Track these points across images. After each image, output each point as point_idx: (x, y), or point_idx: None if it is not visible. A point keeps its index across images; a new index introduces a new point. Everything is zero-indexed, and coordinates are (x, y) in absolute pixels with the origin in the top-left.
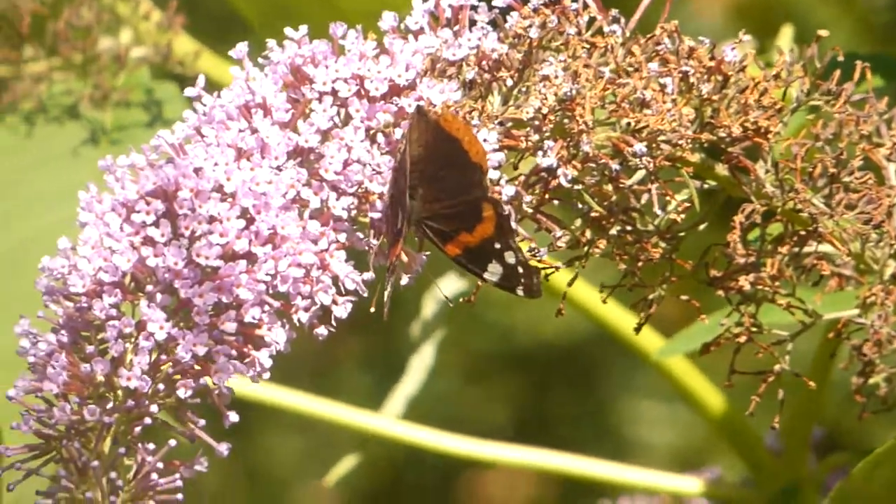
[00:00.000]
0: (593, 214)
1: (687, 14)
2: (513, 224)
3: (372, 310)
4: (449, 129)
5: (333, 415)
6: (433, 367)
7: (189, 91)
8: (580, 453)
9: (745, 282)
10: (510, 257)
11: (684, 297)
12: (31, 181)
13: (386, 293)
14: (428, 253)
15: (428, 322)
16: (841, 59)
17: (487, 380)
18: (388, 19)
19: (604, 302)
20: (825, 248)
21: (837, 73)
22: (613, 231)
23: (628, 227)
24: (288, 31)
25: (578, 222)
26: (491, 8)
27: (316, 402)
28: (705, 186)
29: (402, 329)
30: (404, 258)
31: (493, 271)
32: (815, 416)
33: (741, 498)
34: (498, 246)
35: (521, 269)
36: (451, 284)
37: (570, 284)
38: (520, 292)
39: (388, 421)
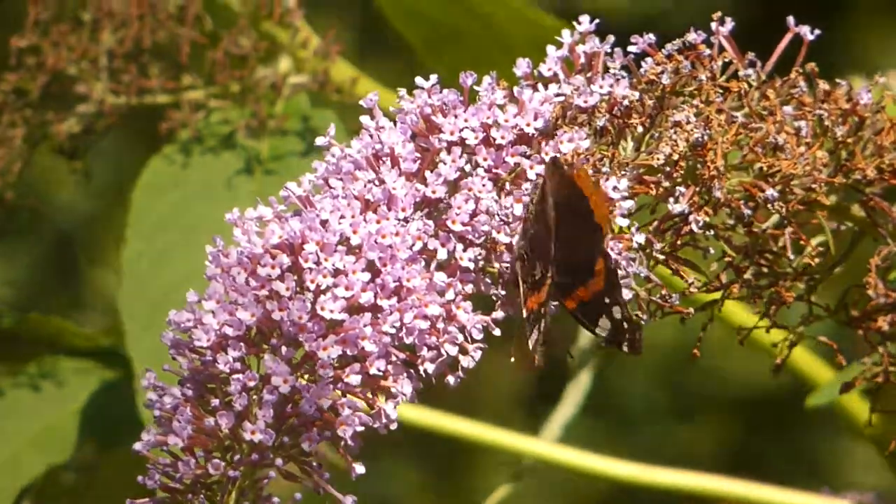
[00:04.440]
0: (728, 258)
1: None
2: (619, 279)
3: (511, 359)
4: (581, 185)
5: (493, 439)
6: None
7: (319, 141)
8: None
9: (883, 322)
10: (617, 312)
11: (822, 338)
12: (188, 214)
13: (532, 340)
14: (556, 303)
15: (584, 350)
16: None
17: (698, 420)
18: (521, 66)
19: (741, 343)
20: None
21: None
22: (748, 274)
23: (764, 270)
24: (418, 80)
25: (714, 266)
26: (626, 54)
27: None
28: (842, 228)
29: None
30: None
31: (604, 326)
32: None
33: None
34: (607, 301)
35: (625, 325)
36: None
37: (703, 329)
38: (625, 348)
39: (559, 448)
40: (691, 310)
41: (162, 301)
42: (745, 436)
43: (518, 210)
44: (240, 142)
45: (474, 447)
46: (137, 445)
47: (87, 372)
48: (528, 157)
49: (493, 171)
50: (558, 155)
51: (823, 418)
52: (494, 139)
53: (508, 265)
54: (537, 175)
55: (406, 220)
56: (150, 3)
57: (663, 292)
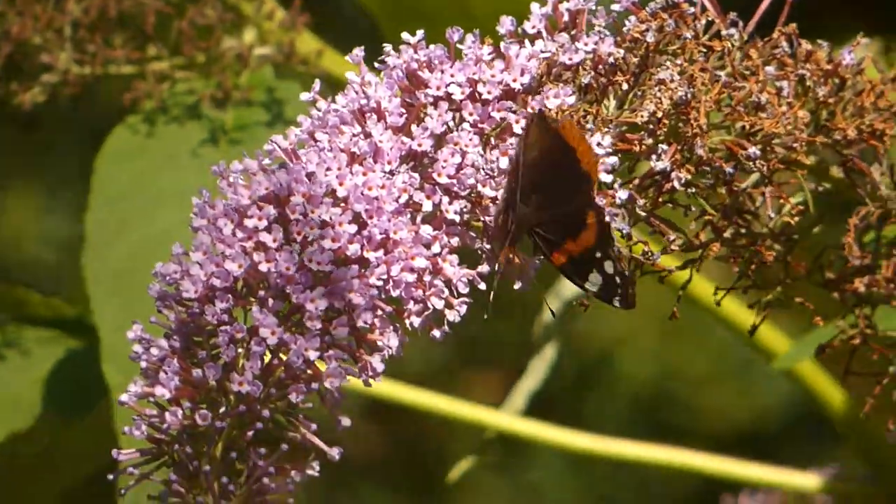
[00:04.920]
0: (707, 217)
1: None
2: (613, 232)
3: (486, 317)
4: (567, 136)
5: (458, 412)
6: None
7: (304, 96)
8: None
9: (859, 284)
10: (609, 267)
11: (799, 300)
12: (151, 182)
13: (491, 294)
14: (541, 258)
15: (548, 324)
16: None
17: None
18: (505, 23)
19: (717, 304)
20: None
21: None
22: (728, 234)
23: (743, 230)
24: (404, 35)
25: (693, 225)
26: (609, 12)
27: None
28: (820, 189)
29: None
30: (516, 260)
31: (594, 281)
32: None
33: (863, 494)
34: (598, 255)
35: (618, 280)
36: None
37: (683, 288)
38: (616, 303)
39: (521, 421)
40: (672, 267)
41: (126, 268)
42: None
43: (504, 163)
44: (205, 112)
45: (453, 482)
46: (123, 397)
47: (51, 341)
48: (514, 113)
49: (479, 125)
50: (542, 108)
51: (797, 452)
52: (481, 94)
53: (492, 219)
54: (522, 128)
55: (392, 172)
56: None
57: (645, 249)
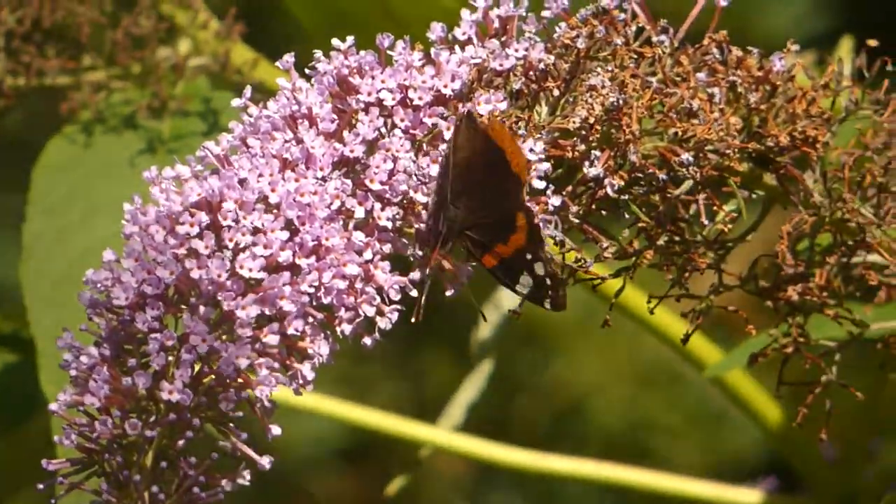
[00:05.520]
0: (641, 224)
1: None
2: (542, 234)
3: (412, 320)
4: (495, 138)
5: (379, 426)
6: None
7: (235, 102)
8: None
9: (793, 292)
10: (539, 268)
11: (732, 308)
12: (89, 193)
13: (422, 299)
14: (473, 264)
15: (484, 339)
16: (890, 68)
17: None
18: (436, 30)
19: (651, 312)
20: (874, 258)
21: (886, 82)
22: (661, 241)
23: (676, 238)
24: (335, 41)
25: (626, 233)
26: (539, 18)
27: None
28: (753, 196)
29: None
30: (447, 266)
31: (525, 283)
32: (872, 426)
33: None
34: (529, 257)
35: (548, 281)
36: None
37: (616, 295)
38: (547, 305)
39: (456, 437)
40: (606, 275)
41: (63, 279)
42: None
43: (434, 171)
44: (141, 122)
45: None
46: (53, 406)
47: None
48: (445, 119)
49: (411, 131)
50: (472, 109)
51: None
52: (412, 100)
53: (424, 225)
54: (450, 131)
55: (324, 179)
56: None
57: (578, 256)
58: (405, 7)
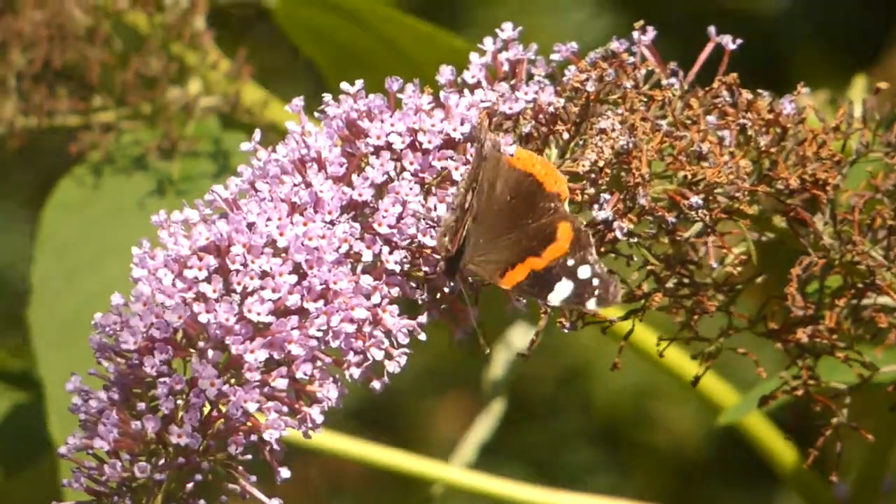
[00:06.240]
0: (650, 267)
1: None
2: (591, 237)
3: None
4: (522, 167)
5: (401, 464)
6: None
7: (245, 146)
8: None
9: (802, 335)
10: (585, 271)
11: (742, 351)
12: (99, 234)
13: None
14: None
15: (497, 379)
16: None
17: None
18: (445, 73)
19: (660, 356)
20: (884, 300)
21: None
22: (670, 284)
23: (685, 280)
24: (344, 85)
25: (635, 275)
26: (549, 62)
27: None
28: (763, 239)
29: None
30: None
31: (562, 289)
32: (885, 466)
33: None
34: (571, 263)
35: (596, 281)
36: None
37: (626, 338)
38: (590, 304)
39: (469, 474)
40: (614, 318)
41: (72, 320)
42: (681, 490)
43: (442, 210)
44: (151, 163)
45: None
46: (62, 449)
47: None
48: (454, 161)
49: (420, 175)
50: (497, 141)
51: (756, 473)
52: (421, 143)
53: (434, 268)
54: (470, 158)
55: (332, 222)
56: (59, 25)
57: None
58: (416, 48)
